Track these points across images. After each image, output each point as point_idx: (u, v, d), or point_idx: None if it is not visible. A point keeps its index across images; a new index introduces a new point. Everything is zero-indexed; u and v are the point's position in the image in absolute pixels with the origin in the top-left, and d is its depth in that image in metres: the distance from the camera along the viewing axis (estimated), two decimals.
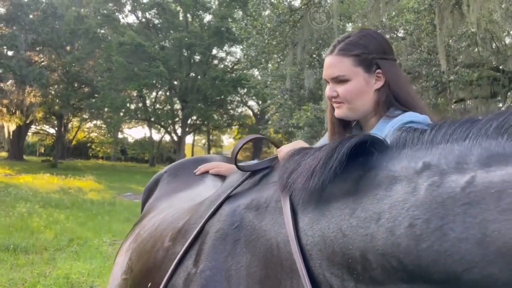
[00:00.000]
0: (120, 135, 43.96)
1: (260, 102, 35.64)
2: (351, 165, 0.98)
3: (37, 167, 26.56)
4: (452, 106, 13.57)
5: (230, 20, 27.66)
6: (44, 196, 13.35)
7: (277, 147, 1.52)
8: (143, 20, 37.83)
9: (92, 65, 33.24)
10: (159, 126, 39.32)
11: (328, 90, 1.65)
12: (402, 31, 13.01)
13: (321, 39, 13.80)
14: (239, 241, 1.23)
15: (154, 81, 31.34)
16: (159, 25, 36.70)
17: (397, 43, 12.82)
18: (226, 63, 38.51)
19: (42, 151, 45.94)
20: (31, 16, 28.95)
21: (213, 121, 36.93)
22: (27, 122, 33.34)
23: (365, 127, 1.68)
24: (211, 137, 47.77)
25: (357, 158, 0.99)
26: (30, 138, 45.38)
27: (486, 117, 0.85)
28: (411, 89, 1.70)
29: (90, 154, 46.38)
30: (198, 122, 39.01)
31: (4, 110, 29.75)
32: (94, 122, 42.60)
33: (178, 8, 36.50)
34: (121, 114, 33.30)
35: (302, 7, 12.39)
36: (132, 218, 9.65)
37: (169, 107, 37.04)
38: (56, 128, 38.14)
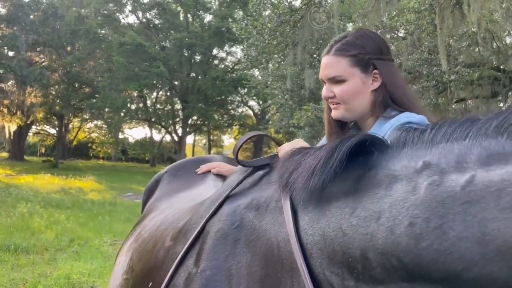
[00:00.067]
0: (120, 135, 44.01)
1: (260, 102, 35.63)
2: (351, 165, 0.98)
3: (38, 167, 26.57)
4: (453, 106, 13.56)
5: (230, 20, 27.66)
6: (45, 197, 13.36)
7: (279, 144, 1.52)
8: (144, 20, 37.85)
9: (93, 65, 33.27)
10: (159, 126, 39.35)
11: (325, 90, 1.64)
12: (403, 31, 13.01)
13: (322, 39, 13.79)
14: (240, 241, 1.23)
15: (154, 81, 31.36)
16: (159, 25, 36.71)
17: (398, 43, 12.82)
18: (227, 63, 38.53)
19: (43, 151, 46.00)
20: (31, 16, 28.97)
21: (213, 121, 36.93)
22: (28, 122, 33.36)
23: (362, 127, 1.67)
24: (211, 137, 47.77)
25: (358, 158, 0.99)
26: (31, 138, 45.44)
27: (486, 117, 0.85)
28: (408, 89, 1.69)
29: (91, 155, 46.44)
30: (198, 122, 39.03)
31: (5, 110, 29.77)
32: (95, 122, 42.64)
33: (179, 8, 36.52)
34: (122, 114, 33.33)
35: (303, 7, 12.39)
36: (133, 218, 9.66)
37: (169, 107, 37.05)
38: (57, 129, 38.19)
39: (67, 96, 32.11)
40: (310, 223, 1.03)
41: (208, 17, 36.79)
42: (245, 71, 24.47)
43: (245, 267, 1.17)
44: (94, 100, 32.00)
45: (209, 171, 2.40)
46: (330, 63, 1.61)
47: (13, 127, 30.67)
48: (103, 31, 34.77)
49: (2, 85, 28.95)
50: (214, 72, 33.54)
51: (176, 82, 34.91)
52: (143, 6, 36.40)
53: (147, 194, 2.64)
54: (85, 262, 6.38)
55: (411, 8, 11.44)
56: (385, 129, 1.46)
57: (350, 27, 15.70)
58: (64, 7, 33.23)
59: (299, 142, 1.49)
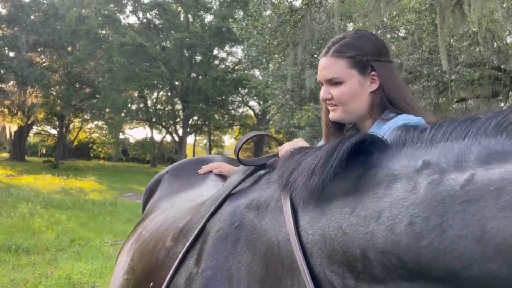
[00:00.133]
0: (121, 136, 44.02)
1: (261, 102, 35.62)
2: (351, 164, 0.98)
3: (39, 167, 26.59)
4: (454, 106, 13.56)
5: (231, 21, 27.66)
6: (46, 197, 13.38)
7: (280, 144, 1.52)
8: (144, 20, 37.88)
9: (94, 65, 33.31)
10: (160, 127, 39.38)
11: (323, 92, 1.64)
12: (403, 31, 13.00)
13: (322, 39, 13.78)
14: (240, 241, 1.23)
15: (155, 82, 31.38)
16: (160, 26, 36.74)
17: (399, 43, 12.82)
18: (227, 64, 38.54)
19: (44, 152, 46.05)
20: (32, 17, 28.98)
21: (214, 122, 36.94)
22: (29, 123, 33.37)
23: (360, 129, 1.67)
24: (212, 138, 47.77)
25: (357, 157, 1.00)
26: (31, 139, 45.48)
27: (486, 116, 0.86)
28: (406, 91, 1.68)
29: (92, 155, 46.47)
30: (199, 122, 39.05)
31: (6, 111, 29.80)
32: (96, 122, 42.68)
33: (179, 8, 36.55)
34: (123, 114, 33.35)
35: (303, 7, 12.39)
36: (134, 219, 9.67)
37: (170, 107, 37.08)
38: (58, 129, 38.23)
39: (67, 97, 32.15)
40: (310, 223, 1.03)
41: (208, 17, 36.85)
42: (245, 71, 24.49)
43: (245, 267, 1.18)
44: (95, 101, 32.03)
45: (210, 171, 2.40)
46: (327, 65, 1.60)
47: (14, 128, 30.71)
48: (103, 32, 34.82)
49: (3, 85, 28.98)
50: (215, 72, 33.55)
51: (176, 83, 34.93)
52: (144, 6, 36.43)
53: (147, 195, 2.64)
54: (86, 263, 6.39)
55: (411, 8, 11.44)
56: (383, 131, 1.45)
57: (350, 27, 15.69)
58: (65, 7, 33.28)
59: (299, 142, 1.49)
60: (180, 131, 36.83)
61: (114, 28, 34.14)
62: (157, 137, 44.66)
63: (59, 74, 33.66)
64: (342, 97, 1.58)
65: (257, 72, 22.10)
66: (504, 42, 12.61)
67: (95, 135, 47.82)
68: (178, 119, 37.01)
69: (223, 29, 31.20)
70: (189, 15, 36.28)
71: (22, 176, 20.05)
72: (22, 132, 33.39)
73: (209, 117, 35.00)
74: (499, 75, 12.51)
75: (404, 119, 1.49)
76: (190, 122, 37.33)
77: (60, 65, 33.44)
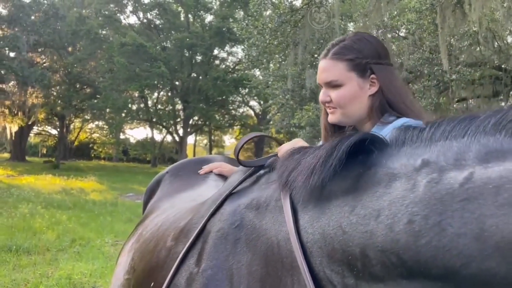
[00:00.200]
0: (122, 136, 44.06)
1: (261, 102, 35.62)
2: (351, 163, 0.99)
3: (39, 168, 26.62)
4: (454, 106, 13.55)
5: (231, 20, 27.64)
6: (46, 197, 13.38)
7: (280, 144, 1.52)
8: (145, 20, 37.90)
9: (94, 66, 33.33)
10: (160, 127, 39.39)
11: (322, 94, 1.63)
12: (404, 31, 13.00)
13: (323, 39, 13.78)
14: (240, 240, 1.24)
15: (155, 82, 31.40)
16: (160, 26, 36.76)
17: (399, 43, 12.82)
18: (228, 63, 38.54)
19: (44, 152, 46.09)
20: (32, 17, 29.01)
21: (214, 122, 36.94)
22: (29, 123, 33.41)
23: None
24: (212, 138, 47.77)
25: (357, 156, 1.00)
26: (32, 139, 45.52)
27: (484, 114, 0.86)
28: (406, 93, 1.66)
29: (92, 155, 46.49)
30: (199, 122, 39.06)
31: (6, 111, 29.82)
32: (96, 123, 42.71)
33: (180, 8, 36.57)
34: (123, 114, 33.37)
35: (303, 7, 12.39)
36: (134, 219, 9.68)
37: (170, 107, 37.10)
38: (58, 129, 38.24)
39: (68, 97, 32.16)
40: (310, 222, 1.03)
41: (209, 17, 36.87)
42: (246, 71, 24.46)
43: (245, 266, 1.18)
44: (95, 101, 32.04)
45: (210, 171, 2.40)
46: (327, 67, 1.59)
47: (15, 128, 30.73)
48: (104, 32, 34.84)
49: (4, 86, 29.01)
50: (215, 72, 33.56)
51: (177, 83, 34.95)
52: (144, 6, 36.45)
53: (148, 195, 2.65)
54: (86, 263, 6.39)
55: (412, 8, 11.44)
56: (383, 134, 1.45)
57: (351, 26, 15.69)
58: (65, 7, 33.31)
59: (298, 142, 1.49)
60: (181, 131, 36.85)
61: (114, 28, 34.16)
62: (158, 137, 44.75)
63: (59, 74, 33.67)
64: (341, 100, 1.57)
65: (257, 72, 22.09)
66: (504, 41, 12.62)
67: (95, 135, 47.86)
68: (178, 119, 37.03)
69: (224, 29, 31.21)
70: (190, 15, 36.30)
71: (22, 176, 20.07)
72: (23, 132, 33.41)
73: (210, 117, 35.01)
74: (500, 75, 12.51)
75: (404, 122, 1.47)
76: (190, 122, 37.35)
77: (61, 65, 33.46)
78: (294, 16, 12.57)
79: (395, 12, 12.42)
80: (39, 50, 32.91)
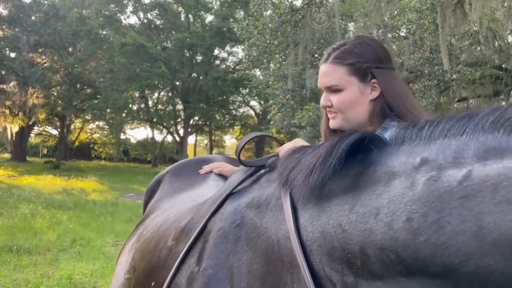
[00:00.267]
0: (122, 136, 44.06)
1: (262, 102, 35.60)
2: (351, 162, 0.99)
3: (40, 168, 26.64)
4: (455, 105, 13.54)
5: (231, 20, 27.64)
6: (47, 197, 13.39)
7: (281, 144, 1.52)
8: (145, 21, 37.91)
9: (94, 66, 33.35)
10: (161, 127, 39.40)
11: (323, 99, 1.61)
12: (404, 30, 12.99)
13: (323, 39, 13.78)
14: (240, 239, 1.24)
15: (156, 82, 31.41)
16: (161, 26, 36.77)
17: (399, 42, 12.82)
18: (228, 63, 38.54)
19: (45, 152, 46.13)
20: (33, 17, 29.02)
21: (215, 122, 36.95)
22: (30, 123, 33.41)
23: None
24: (213, 138, 47.78)
25: (357, 155, 1.00)
26: (33, 139, 45.54)
27: (483, 113, 0.86)
28: (407, 98, 1.63)
29: (93, 155, 46.53)
30: (200, 122, 39.07)
31: (7, 111, 29.83)
32: (97, 123, 42.73)
33: (180, 8, 36.57)
34: (124, 115, 33.38)
35: (304, 7, 12.39)
36: (135, 219, 9.68)
37: (171, 107, 37.11)
38: (59, 129, 38.25)
39: (68, 97, 32.18)
40: (310, 220, 1.04)
41: (209, 17, 36.88)
42: (246, 71, 24.46)
43: (245, 265, 1.18)
44: (96, 101, 32.06)
45: (210, 171, 2.41)
46: (327, 72, 1.58)
47: (15, 128, 30.74)
48: (104, 32, 34.85)
49: (4, 86, 29.02)
50: (216, 72, 33.56)
51: (177, 83, 34.95)
52: (144, 6, 36.46)
53: (148, 195, 2.65)
54: (87, 263, 6.40)
55: (412, 8, 11.43)
56: None
57: (351, 26, 15.70)
58: (66, 8, 33.32)
59: (299, 142, 1.49)
60: (181, 131, 36.86)
61: (115, 29, 34.17)
62: (158, 137, 44.76)
63: (60, 74, 33.69)
64: (342, 105, 1.56)
65: (258, 72, 22.08)
66: (505, 41, 12.61)
67: (96, 136, 47.92)
68: (179, 119, 37.04)
69: (224, 29, 31.22)
70: (190, 15, 36.31)
71: (23, 176, 20.08)
72: (23, 132, 33.43)
73: (210, 117, 35.01)
74: (500, 74, 12.50)
75: None
76: (191, 122, 37.36)
77: (61, 65, 33.47)
78: (295, 16, 12.58)
79: (396, 12, 12.42)
80: (40, 50, 32.93)
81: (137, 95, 34.97)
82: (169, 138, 41.95)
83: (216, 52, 36.18)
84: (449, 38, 11.24)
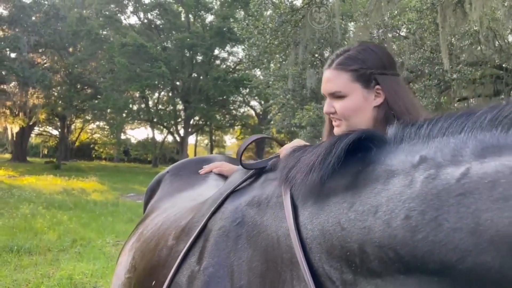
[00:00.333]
0: (123, 136, 44.06)
1: (262, 102, 35.60)
2: (350, 161, 1.00)
3: (41, 168, 26.64)
4: (455, 105, 13.55)
5: (232, 20, 27.64)
6: (48, 197, 13.40)
7: (281, 145, 1.52)
8: (145, 21, 37.93)
9: (95, 66, 33.36)
10: (161, 127, 39.42)
11: (326, 105, 1.60)
12: (405, 30, 13.00)
13: (323, 39, 13.80)
14: (241, 237, 1.25)
15: (156, 82, 31.42)
16: (161, 26, 36.78)
17: (400, 42, 12.83)
18: (228, 63, 38.56)
19: (46, 152, 46.15)
20: (33, 18, 29.03)
21: (215, 122, 36.97)
22: (30, 123, 33.42)
23: None
24: (213, 137, 47.81)
25: (356, 154, 1.01)
26: (33, 139, 45.57)
27: (481, 111, 0.87)
28: (411, 103, 1.61)
29: (93, 155, 46.56)
30: (200, 122, 39.08)
31: (7, 112, 29.84)
32: (97, 123, 42.76)
33: (180, 8, 36.59)
34: (124, 115, 33.39)
35: (304, 6, 12.40)
36: (135, 219, 9.68)
37: (171, 107, 37.12)
38: (59, 130, 38.29)
39: (69, 97, 32.20)
40: (310, 218, 1.04)
41: (209, 17, 36.90)
42: (246, 71, 24.45)
43: (246, 263, 1.19)
44: (96, 101, 32.08)
45: (211, 171, 2.41)
46: (331, 78, 1.56)
47: (16, 129, 30.75)
48: (104, 32, 34.87)
49: (5, 86, 29.03)
50: (216, 72, 33.57)
51: (177, 83, 34.97)
52: (145, 6, 36.48)
53: (148, 195, 2.65)
54: (87, 263, 6.40)
55: (412, 7, 11.44)
56: None
57: (351, 26, 15.71)
58: (66, 8, 33.34)
59: (300, 143, 1.49)
60: (182, 131, 36.88)
61: (115, 29, 34.18)
62: (159, 137, 44.78)
63: (60, 75, 33.71)
64: (345, 111, 1.54)
65: (258, 72, 22.09)
66: (505, 40, 12.61)
67: (96, 136, 47.93)
68: (179, 119, 37.05)
69: (224, 29, 31.23)
70: (190, 15, 36.32)
71: (24, 177, 20.09)
72: (24, 133, 33.44)
73: (210, 117, 35.03)
74: (501, 74, 12.50)
75: None
76: (191, 122, 37.37)
77: (62, 65, 33.49)
78: (295, 16, 12.58)
79: (396, 12, 12.42)
80: (40, 50, 32.94)
81: (137, 95, 34.99)
82: (170, 138, 42.04)
83: (216, 52, 36.21)
84: (450, 37, 11.24)
